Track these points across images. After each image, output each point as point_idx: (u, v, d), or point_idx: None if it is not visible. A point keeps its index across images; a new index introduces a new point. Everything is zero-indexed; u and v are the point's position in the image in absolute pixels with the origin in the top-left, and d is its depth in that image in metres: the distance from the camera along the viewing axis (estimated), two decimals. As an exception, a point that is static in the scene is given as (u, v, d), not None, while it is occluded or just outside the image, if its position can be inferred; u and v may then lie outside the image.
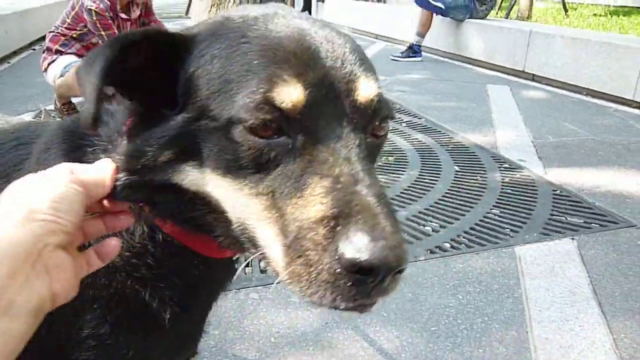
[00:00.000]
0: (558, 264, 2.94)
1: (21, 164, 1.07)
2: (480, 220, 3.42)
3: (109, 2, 4.69)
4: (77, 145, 1.00)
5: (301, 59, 0.79)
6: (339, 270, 0.69)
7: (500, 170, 4.31)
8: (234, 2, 3.36)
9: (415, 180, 4.03)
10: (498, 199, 3.75)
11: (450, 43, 9.83)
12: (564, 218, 3.49)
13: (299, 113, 0.76)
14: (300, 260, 0.72)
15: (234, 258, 1.10)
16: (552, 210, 3.60)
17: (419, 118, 5.72)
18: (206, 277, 1.03)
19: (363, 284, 0.70)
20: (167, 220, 0.93)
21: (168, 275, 0.98)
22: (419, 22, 9.22)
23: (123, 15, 4.89)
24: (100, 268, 0.86)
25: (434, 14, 9.17)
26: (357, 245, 0.69)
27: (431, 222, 3.37)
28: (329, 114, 0.79)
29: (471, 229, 3.30)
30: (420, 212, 3.49)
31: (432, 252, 3.02)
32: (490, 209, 3.58)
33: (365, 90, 0.83)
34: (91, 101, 0.77)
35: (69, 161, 0.91)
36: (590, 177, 4.24)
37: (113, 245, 0.86)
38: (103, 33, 4.67)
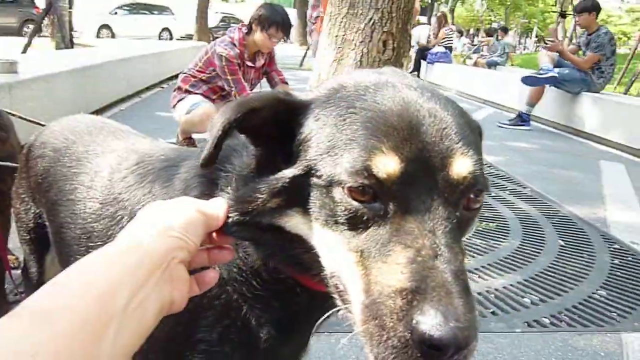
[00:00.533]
0: (670, 357, 2.72)
1: (170, 181, 1.24)
2: (585, 300, 3.25)
3: (238, 51, 5.13)
4: (211, 176, 1.14)
5: (401, 132, 0.85)
6: (410, 340, 0.74)
7: (610, 250, 4.08)
8: (354, 59, 3.54)
9: (516, 250, 3.92)
10: (606, 279, 3.55)
11: (562, 114, 9.56)
12: (679, 310, 3.23)
13: (393, 183, 0.82)
14: (376, 322, 0.78)
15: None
16: (667, 300, 3.35)
17: (524, 187, 5.58)
18: (305, 305, 1.11)
19: (430, 357, 0.74)
20: (269, 258, 1.04)
21: (268, 298, 1.08)
22: (529, 93, 9.08)
23: (249, 63, 5.31)
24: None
25: (547, 86, 9.01)
26: (430, 322, 0.73)
27: (530, 294, 3.25)
28: (421, 187, 0.83)
29: (574, 307, 3.15)
30: (518, 283, 3.39)
31: (529, 325, 2.91)
32: (597, 290, 3.40)
33: (460, 167, 0.86)
34: (210, 147, 0.93)
35: (204, 187, 1.09)
36: None
37: (212, 276, 0.98)
38: (229, 78, 5.09)
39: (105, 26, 26.99)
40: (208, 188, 1.12)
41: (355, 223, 0.85)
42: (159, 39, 27.04)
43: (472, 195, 0.89)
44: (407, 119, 0.87)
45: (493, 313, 2.99)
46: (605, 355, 2.69)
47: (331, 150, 0.87)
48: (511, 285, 3.35)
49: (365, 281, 0.82)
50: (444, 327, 0.72)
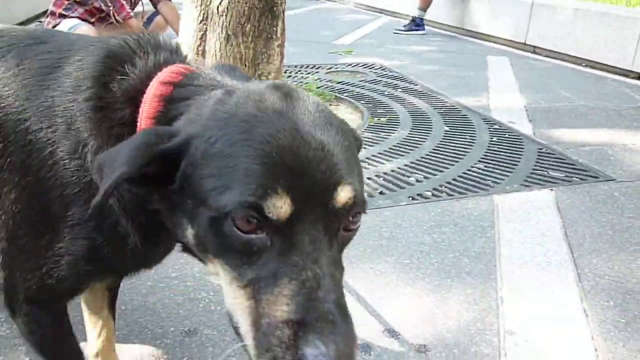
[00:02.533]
0: (534, 210, 3.07)
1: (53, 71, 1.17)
2: (464, 173, 3.54)
3: None
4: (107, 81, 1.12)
5: (294, 171, 0.87)
6: None
7: (490, 130, 4.41)
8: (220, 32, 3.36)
9: (405, 138, 4.15)
10: (484, 155, 3.87)
11: (454, 17, 9.83)
12: (546, 172, 3.60)
13: (281, 222, 0.86)
14: (268, 354, 0.84)
15: None
16: (536, 165, 3.71)
17: (415, 85, 5.81)
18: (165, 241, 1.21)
19: None
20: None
21: (138, 215, 1.12)
22: (420, -4, 9.23)
23: None
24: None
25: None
26: (314, 352, 0.80)
27: (416, 174, 3.49)
28: (308, 221, 0.88)
29: (454, 179, 3.43)
30: (406, 165, 3.62)
31: (413, 198, 3.15)
32: (475, 164, 3.70)
33: (344, 196, 0.90)
34: (101, 196, 0.93)
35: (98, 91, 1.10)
36: (578, 138, 4.33)
37: None
38: None
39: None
40: (101, 93, 1.11)
41: (246, 253, 0.89)
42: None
43: (351, 218, 0.94)
44: (301, 157, 0.88)
45: (381, 193, 3.20)
46: (478, 215, 2.98)
47: (223, 183, 0.88)
48: (399, 168, 3.57)
49: (254, 315, 0.87)
50: (328, 354, 0.79)
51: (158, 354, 1.90)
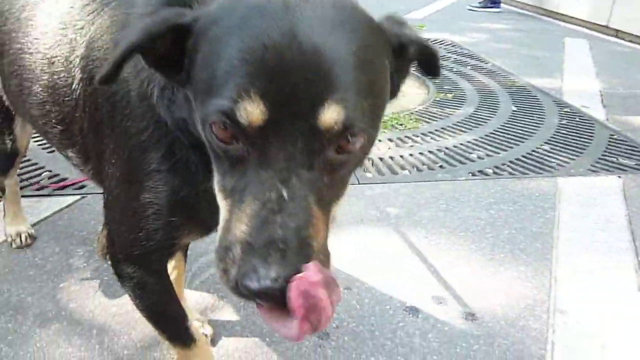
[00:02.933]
0: (599, 196, 2.99)
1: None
2: (528, 153, 3.47)
3: None
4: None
5: (275, 73, 0.77)
6: (237, 286, 0.79)
7: (560, 113, 4.27)
8: None
9: (470, 115, 4.09)
10: (551, 136, 3.77)
11: (532, -5, 9.45)
12: (615, 159, 3.47)
13: (254, 130, 0.78)
14: (222, 265, 0.82)
15: None
16: (605, 151, 3.58)
17: (486, 63, 5.67)
18: None
19: (255, 301, 0.80)
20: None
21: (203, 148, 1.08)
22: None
23: None
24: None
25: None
26: (253, 277, 0.76)
27: (478, 150, 3.46)
28: (285, 135, 0.79)
29: (517, 159, 3.37)
30: (468, 142, 3.59)
31: (473, 174, 3.13)
32: (541, 145, 3.62)
33: (330, 117, 0.78)
34: (110, 67, 0.89)
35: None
36: (654, 126, 4.13)
37: None
38: None
39: None
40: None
41: (227, 163, 0.86)
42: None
43: (348, 138, 0.82)
44: (286, 57, 0.78)
45: (440, 167, 3.20)
46: (539, 195, 2.94)
47: (210, 84, 0.83)
48: (461, 144, 3.55)
49: (225, 226, 0.85)
50: (260, 283, 0.75)
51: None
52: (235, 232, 0.81)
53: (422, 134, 3.68)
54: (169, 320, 1.46)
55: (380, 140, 3.53)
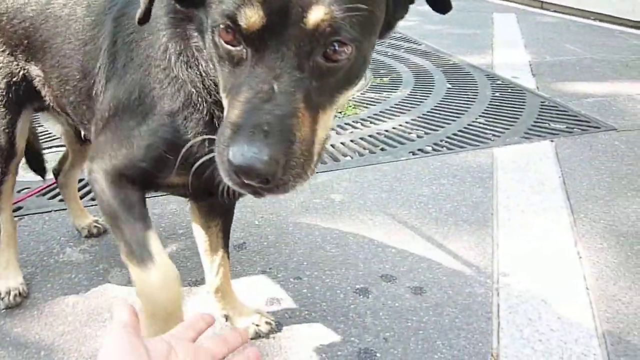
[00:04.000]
0: (532, 161, 3.11)
1: None
2: (465, 128, 3.57)
3: None
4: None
5: None
6: (228, 167, 0.88)
7: (492, 86, 4.41)
8: None
9: (407, 97, 4.17)
10: (485, 109, 3.89)
11: (459, -26, 9.67)
12: (547, 125, 3.62)
13: (252, 32, 0.89)
14: (218, 147, 0.92)
15: None
16: (537, 118, 3.73)
17: (419, 45, 5.79)
18: None
19: (241, 181, 0.88)
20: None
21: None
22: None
23: None
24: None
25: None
26: (234, 151, 0.86)
27: (417, 130, 3.54)
28: (279, 38, 0.89)
29: (454, 134, 3.47)
30: (407, 122, 3.66)
31: (413, 153, 3.20)
32: (476, 119, 3.73)
33: (316, 16, 0.87)
34: (143, 5, 1.06)
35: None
36: (581, 90, 4.33)
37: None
38: None
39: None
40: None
41: (229, 64, 0.96)
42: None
43: (333, 46, 0.91)
44: None
45: (381, 149, 3.25)
46: (477, 167, 3.03)
47: None
48: (400, 125, 3.61)
49: (224, 117, 0.96)
50: (243, 157, 0.85)
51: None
52: (229, 117, 0.91)
53: (362, 119, 3.73)
54: (127, 225, 1.36)
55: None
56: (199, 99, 1.23)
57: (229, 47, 0.94)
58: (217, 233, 1.78)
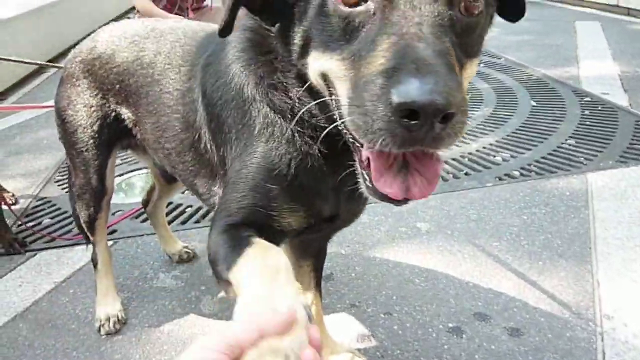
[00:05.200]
0: (630, 187, 2.92)
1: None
2: (554, 150, 3.42)
3: None
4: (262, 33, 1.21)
5: None
6: (391, 117, 0.75)
7: (581, 103, 4.20)
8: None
9: (489, 116, 4.05)
10: (575, 129, 3.71)
11: (537, -19, 9.33)
12: (644, 146, 3.40)
13: None
14: (359, 110, 0.80)
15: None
16: (633, 139, 3.51)
17: (499, 58, 5.62)
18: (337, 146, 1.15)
19: (414, 130, 0.75)
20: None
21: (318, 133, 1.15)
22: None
23: None
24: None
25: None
26: (405, 89, 0.73)
27: (502, 153, 3.42)
28: None
29: (543, 158, 3.32)
30: (490, 144, 3.54)
31: (500, 179, 3.09)
32: (566, 140, 3.56)
33: None
34: (226, 15, 1.06)
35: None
36: (680, 107, 4.04)
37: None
38: None
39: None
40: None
41: (348, 31, 0.90)
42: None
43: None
44: None
45: (466, 174, 3.17)
46: (570, 194, 2.89)
47: None
48: (484, 147, 3.51)
49: (353, 80, 0.86)
50: (419, 90, 0.72)
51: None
52: (370, 70, 0.80)
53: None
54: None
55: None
56: (286, 127, 1.18)
57: (350, 9, 0.88)
58: (309, 272, 1.77)
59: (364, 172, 0.95)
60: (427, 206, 2.83)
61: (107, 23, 7.09)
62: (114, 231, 2.83)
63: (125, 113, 1.78)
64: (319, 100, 1.05)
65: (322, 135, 1.08)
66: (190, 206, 3.02)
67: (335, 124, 0.98)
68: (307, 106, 1.12)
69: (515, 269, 2.31)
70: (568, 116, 3.95)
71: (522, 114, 4.04)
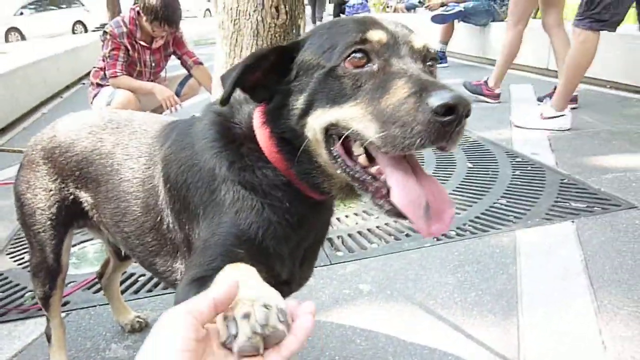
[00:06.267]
0: (555, 244, 3.19)
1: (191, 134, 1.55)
2: (487, 210, 3.69)
3: (126, 30, 5.13)
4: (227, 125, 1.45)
5: (381, 24, 1.22)
6: (430, 118, 1.02)
7: (512, 164, 4.55)
8: (251, 28, 3.76)
9: (429, 178, 4.32)
10: (506, 189, 4.01)
11: (475, 46, 10.06)
12: (568, 204, 3.72)
13: (381, 46, 1.17)
14: (396, 124, 1.05)
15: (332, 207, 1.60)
16: (558, 197, 3.83)
17: (439, 121, 5.99)
18: (309, 213, 1.44)
19: (448, 125, 1.02)
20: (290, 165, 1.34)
21: (284, 204, 1.39)
22: (440, 31, 9.49)
23: (143, 43, 5.28)
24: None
25: (456, 21, 9.43)
26: (440, 97, 1.01)
27: (440, 213, 3.66)
28: (398, 52, 1.18)
29: (477, 217, 3.59)
30: (430, 206, 3.79)
31: (438, 239, 3.32)
32: (498, 199, 3.85)
33: (418, 41, 1.23)
34: (227, 89, 1.23)
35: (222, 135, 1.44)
36: (600, 165, 4.43)
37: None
38: (107, 52, 5.15)
39: (13, 29, 25.65)
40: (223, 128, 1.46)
41: (357, 86, 1.16)
42: (73, 33, 25.99)
43: (429, 62, 1.24)
44: (379, 21, 1.25)
45: (407, 235, 3.39)
46: (500, 251, 3.13)
47: (330, 46, 1.20)
48: (423, 209, 3.74)
49: (376, 112, 1.10)
50: (450, 95, 1.01)
51: None
52: (397, 97, 1.07)
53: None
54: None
55: (347, 216, 3.72)
56: (256, 200, 1.37)
57: (356, 70, 1.16)
58: None
59: (379, 199, 1.19)
60: (370, 268, 3.02)
61: (63, 90, 7.33)
62: (67, 302, 2.88)
63: (84, 197, 1.90)
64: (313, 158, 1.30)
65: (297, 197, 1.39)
66: (143, 275, 3.11)
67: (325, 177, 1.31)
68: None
69: (450, 324, 2.49)
70: (500, 176, 4.28)
71: (459, 176, 4.35)
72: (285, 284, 1.51)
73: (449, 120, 1.02)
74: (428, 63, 1.23)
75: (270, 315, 0.90)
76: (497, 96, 6.85)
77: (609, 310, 2.56)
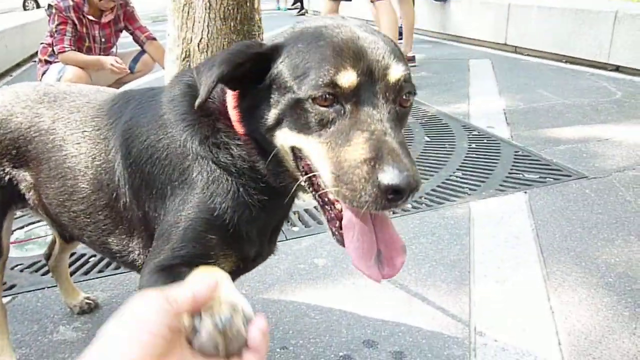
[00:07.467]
0: (507, 214, 3.25)
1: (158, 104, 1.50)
2: (443, 182, 3.73)
3: (72, 3, 4.94)
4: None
5: (357, 55, 1.16)
6: (378, 193, 1.04)
7: (469, 137, 4.60)
8: (203, 1, 3.63)
9: (387, 152, 4.33)
10: (462, 162, 4.05)
11: (435, 23, 10.08)
12: (521, 175, 3.78)
13: (351, 90, 1.13)
14: (347, 186, 1.07)
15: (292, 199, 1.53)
16: (512, 169, 3.89)
17: (398, 96, 6.00)
18: (280, 193, 1.40)
19: (394, 202, 1.05)
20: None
21: (259, 185, 1.38)
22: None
23: (91, 18, 5.10)
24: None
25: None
26: (390, 176, 1.03)
27: (396, 187, 3.67)
28: (370, 91, 1.14)
29: (433, 190, 3.61)
30: (387, 179, 3.80)
31: (394, 212, 3.33)
32: (454, 172, 3.89)
33: (394, 75, 1.17)
34: (204, 94, 1.21)
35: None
36: (553, 137, 4.52)
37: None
38: (54, 27, 4.96)
39: (-39, 5, 24.46)
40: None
41: (323, 124, 1.15)
42: (24, 9, 24.95)
43: (404, 96, 1.20)
44: (360, 46, 1.18)
45: (363, 209, 3.38)
46: (454, 223, 3.17)
47: (305, 71, 1.16)
48: (380, 183, 3.75)
49: (334, 161, 1.11)
50: (400, 176, 1.02)
51: None
52: (354, 157, 1.08)
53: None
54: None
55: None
56: (232, 181, 1.36)
57: (325, 109, 1.14)
58: None
59: (333, 229, 1.23)
60: (325, 242, 3.01)
61: (12, 68, 6.99)
62: (13, 286, 2.78)
63: (22, 177, 1.80)
64: (281, 161, 1.30)
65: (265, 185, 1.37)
66: (94, 256, 3.02)
67: (299, 181, 1.27)
68: (267, 160, 1.33)
69: (402, 297, 2.51)
70: (457, 150, 4.31)
71: (416, 149, 4.36)
72: (253, 261, 1.52)
73: (394, 199, 1.04)
74: (403, 96, 1.20)
75: (235, 317, 0.88)
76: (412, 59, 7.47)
77: (558, 276, 2.62)
